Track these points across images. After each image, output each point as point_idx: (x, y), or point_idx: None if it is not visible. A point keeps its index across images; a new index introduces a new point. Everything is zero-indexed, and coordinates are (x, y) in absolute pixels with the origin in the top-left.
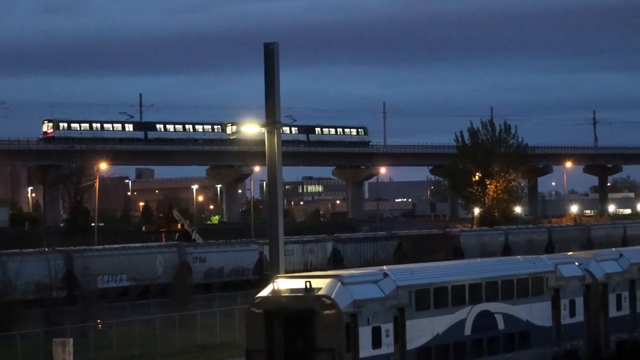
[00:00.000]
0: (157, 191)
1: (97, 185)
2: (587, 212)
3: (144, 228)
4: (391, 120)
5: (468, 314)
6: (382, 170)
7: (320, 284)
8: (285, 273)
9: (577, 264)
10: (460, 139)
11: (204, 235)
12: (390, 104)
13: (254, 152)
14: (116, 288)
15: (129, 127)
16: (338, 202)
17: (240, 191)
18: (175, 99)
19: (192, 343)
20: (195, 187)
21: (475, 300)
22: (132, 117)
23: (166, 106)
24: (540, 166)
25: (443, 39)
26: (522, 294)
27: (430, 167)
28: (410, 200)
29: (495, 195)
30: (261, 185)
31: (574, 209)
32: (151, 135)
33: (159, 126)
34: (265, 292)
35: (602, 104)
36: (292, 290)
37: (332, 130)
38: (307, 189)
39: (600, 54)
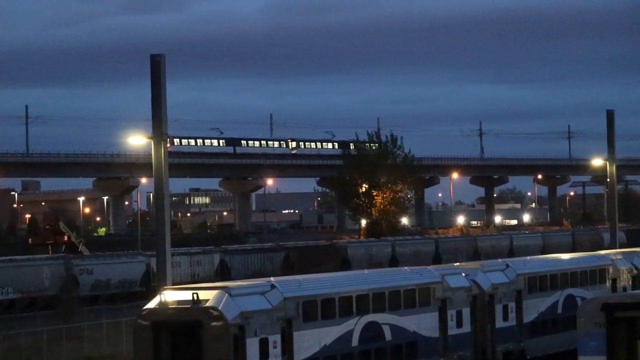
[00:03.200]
0: (43, 203)
1: None
2: (474, 223)
3: (30, 240)
4: (277, 132)
5: (355, 325)
6: (269, 181)
7: (208, 295)
8: (173, 285)
9: (464, 274)
10: (346, 150)
11: (91, 247)
12: (275, 115)
13: (140, 163)
14: (2, 301)
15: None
16: (225, 213)
17: (127, 203)
18: (62, 111)
19: (79, 355)
20: (81, 199)
21: (362, 311)
22: (222, 132)
23: (52, 118)
24: (427, 177)
25: (327, 51)
26: (409, 304)
27: (317, 179)
28: (297, 211)
29: (382, 206)
30: (148, 197)
31: (461, 219)
32: (239, 150)
33: (244, 142)
34: (152, 304)
35: (488, 116)
36: (180, 302)
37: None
38: (194, 200)
39: (484, 66)
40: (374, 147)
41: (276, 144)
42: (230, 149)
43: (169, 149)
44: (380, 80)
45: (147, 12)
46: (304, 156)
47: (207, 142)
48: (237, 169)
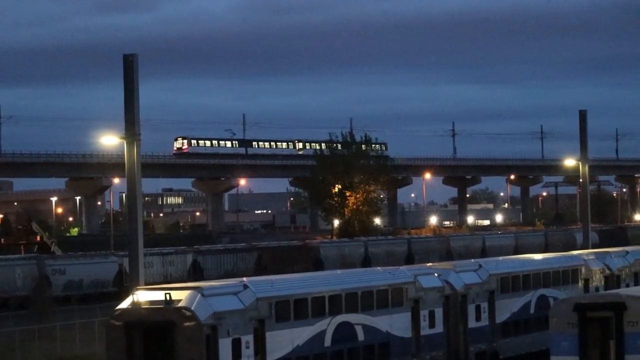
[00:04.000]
0: (15, 203)
1: None
2: (447, 223)
3: (2, 240)
4: (250, 132)
5: (328, 325)
6: (242, 181)
7: (180, 295)
8: (145, 285)
9: (436, 275)
10: (319, 150)
11: (64, 248)
12: (248, 115)
13: (113, 164)
14: None
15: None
16: (198, 213)
17: (99, 203)
18: (35, 111)
19: (51, 356)
20: (54, 199)
21: (335, 311)
22: (234, 134)
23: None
24: (400, 177)
25: (300, 51)
26: (382, 305)
27: (290, 179)
28: (270, 211)
29: (355, 206)
30: (121, 197)
31: (434, 220)
32: (250, 151)
33: (255, 143)
34: (125, 304)
35: (460, 116)
36: (152, 302)
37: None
38: (167, 200)
39: (456, 66)
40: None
41: (284, 145)
42: (242, 150)
43: (186, 150)
44: (353, 80)
45: (119, 12)
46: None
47: (222, 143)
48: (209, 169)
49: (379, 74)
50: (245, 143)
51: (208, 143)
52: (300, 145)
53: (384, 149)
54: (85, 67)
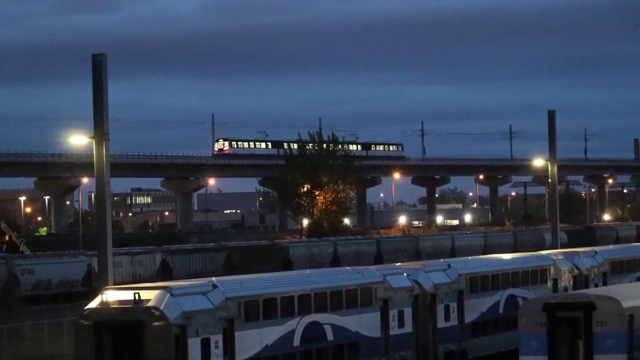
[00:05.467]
0: None
1: None
2: (416, 223)
3: None
4: (218, 132)
5: (297, 325)
6: (211, 181)
7: (149, 295)
8: (114, 285)
9: (405, 274)
10: (288, 150)
11: (32, 247)
12: (217, 116)
13: (82, 163)
14: None
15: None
16: (167, 213)
17: (68, 203)
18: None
19: (20, 355)
20: (23, 198)
21: (304, 311)
22: (267, 135)
23: None
24: (369, 177)
25: (267, 51)
26: (351, 304)
27: (259, 179)
28: (239, 211)
29: (323, 206)
30: (90, 197)
31: (403, 219)
32: (282, 152)
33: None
34: (94, 304)
35: (429, 116)
36: (121, 302)
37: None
38: (135, 200)
39: (424, 67)
40: (316, 148)
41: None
42: (274, 151)
43: (227, 151)
44: (322, 81)
45: (84, 12)
46: (245, 156)
47: (258, 144)
48: (178, 169)
49: (348, 74)
50: (277, 144)
51: (247, 144)
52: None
53: (400, 149)
54: (52, 67)
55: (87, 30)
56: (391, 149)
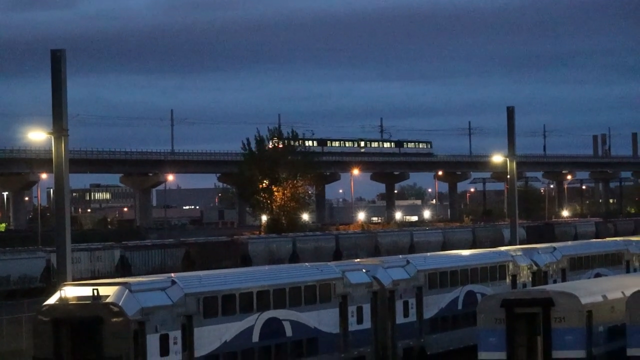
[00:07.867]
0: None
1: None
2: (375, 219)
3: None
4: (178, 128)
5: (256, 321)
6: (170, 177)
7: (108, 291)
8: (73, 281)
9: (364, 270)
10: (247, 146)
11: None
12: (176, 111)
13: (41, 159)
14: None
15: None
16: (126, 209)
17: (27, 198)
18: None
19: None
20: None
21: (263, 307)
22: (314, 133)
23: None
24: (328, 173)
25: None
26: (310, 301)
27: (217, 175)
28: (198, 207)
29: (282, 202)
30: (48, 193)
31: (362, 216)
32: (326, 149)
33: (329, 142)
34: (52, 300)
35: (387, 112)
36: (80, 298)
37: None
38: (94, 196)
39: (381, 63)
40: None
41: (349, 143)
42: (319, 149)
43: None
44: (279, 77)
45: (39, 9)
46: (205, 154)
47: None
48: (137, 165)
49: (305, 70)
50: (321, 142)
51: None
52: (363, 143)
53: (429, 146)
54: (8, 63)
55: (41, 26)
56: (421, 146)
